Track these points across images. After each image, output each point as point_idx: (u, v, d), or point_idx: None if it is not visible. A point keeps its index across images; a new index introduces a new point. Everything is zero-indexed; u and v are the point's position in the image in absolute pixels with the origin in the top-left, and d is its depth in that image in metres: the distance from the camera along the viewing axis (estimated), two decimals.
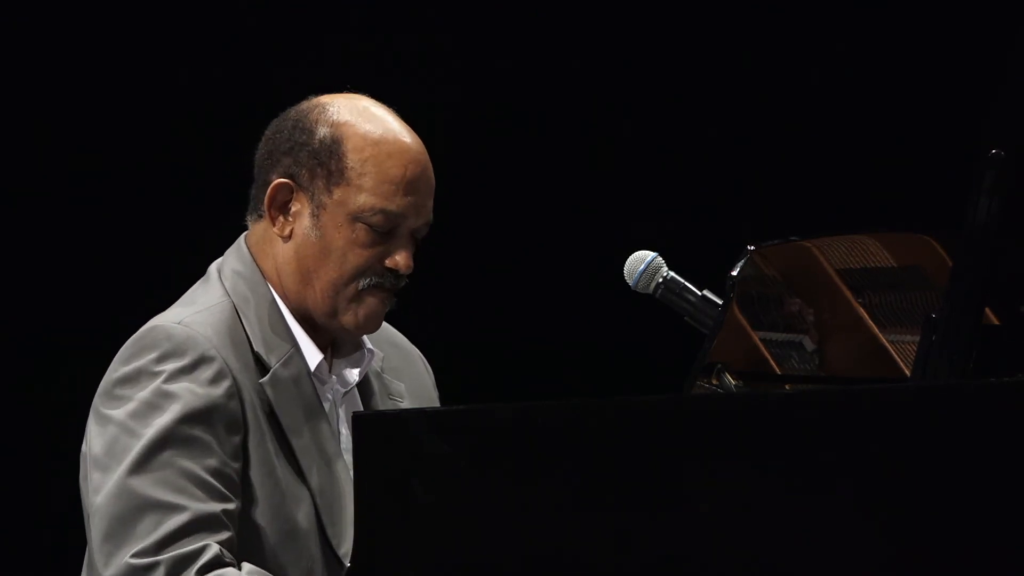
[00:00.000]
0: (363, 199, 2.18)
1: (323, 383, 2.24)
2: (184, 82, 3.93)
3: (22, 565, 3.90)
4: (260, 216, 2.25)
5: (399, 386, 2.35)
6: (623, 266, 2.26)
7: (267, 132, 2.27)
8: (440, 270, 4.12)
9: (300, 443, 2.18)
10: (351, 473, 2.07)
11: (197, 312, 2.18)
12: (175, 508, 2.03)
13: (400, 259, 2.20)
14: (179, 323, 2.16)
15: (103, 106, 3.94)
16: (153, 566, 2.01)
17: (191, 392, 2.10)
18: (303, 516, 2.17)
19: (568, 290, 4.07)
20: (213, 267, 2.27)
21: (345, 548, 2.15)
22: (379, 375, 2.33)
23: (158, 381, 2.10)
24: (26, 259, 3.90)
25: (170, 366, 2.12)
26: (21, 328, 3.90)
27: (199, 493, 2.07)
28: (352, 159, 2.19)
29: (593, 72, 4.13)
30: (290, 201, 2.22)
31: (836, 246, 2.29)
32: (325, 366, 2.24)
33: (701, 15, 4.11)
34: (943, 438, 1.66)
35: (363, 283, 2.20)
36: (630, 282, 2.25)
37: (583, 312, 4.06)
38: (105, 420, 2.12)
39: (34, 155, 3.92)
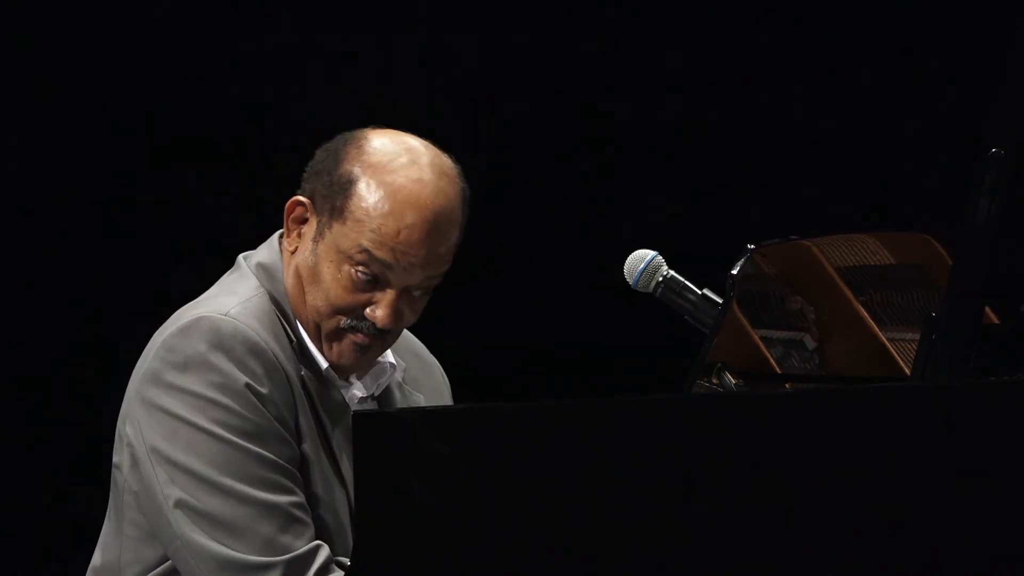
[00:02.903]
0: (353, 238, 2.18)
1: (336, 385, 2.25)
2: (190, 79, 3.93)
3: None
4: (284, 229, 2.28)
5: (418, 398, 2.37)
6: (623, 265, 2.26)
7: (323, 145, 2.28)
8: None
9: (335, 439, 2.20)
10: None
11: (239, 302, 2.19)
12: (271, 504, 2.04)
13: (379, 312, 2.20)
14: (225, 314, 2.16)
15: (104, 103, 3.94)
16: (270, 566, 2.02)
17: (249, 385, 2.11)
18: (342, 510, 2.19)
19: (568, 290, 4.07)
20: (241, 257, 2.28)
21: None
22: (401, 386, 2.34)
23: (212, 374, 2.11)
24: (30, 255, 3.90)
25: (222, 358, 2.12)
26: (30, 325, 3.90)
27: (288, 484, 2.10)
28: (356, 201, 2.19)
29: (593, 71, 4.13)
30: (304, 219, 2.23)
31: (836, 245, 2.29)
32: (332, 372, 2.25)
33: (701, 15, 4.11)
34: (943, 438, 1.66)
35: (344, 322, 2.21)
36: (630, 281, 2.25)
37: (583, 312, 4.06)
38: (159, 410, 2.12)
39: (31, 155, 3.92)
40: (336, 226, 2.19)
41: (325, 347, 2.22)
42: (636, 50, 4.14)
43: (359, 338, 2.20)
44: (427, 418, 1.80)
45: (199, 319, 2.16)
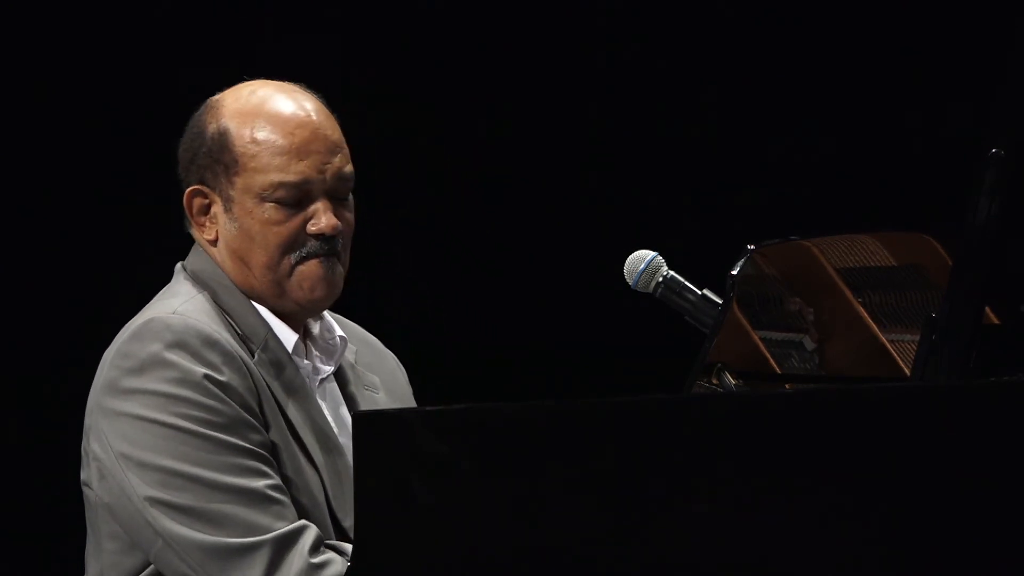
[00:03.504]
0: (260, 179, 2.20)
1: (302, 362, 2.26)
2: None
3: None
4: (192, 225, 2.29)
5: (373, 378, 2.37)
6: (623, 266, 2.26)
7: (182, 138, 2.30)
8: (440, 270, 4.12)
9: (297, 420, 2.20)
10: (345, 451, 2.11)
11: (183, 303, 2.20)
12: (248, 489, 2.04)
13: (322, 222, 2.21)
14: (173, 312, 2.17)
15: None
16: (256, 546, 2.00)
17: (208, 376, 2.11)
18: (315, 490, 2.19)
19: (568, 290, 4.07)
20: (178, 267, 2.30)
21: (349, 522, 2.17)
22: (353, 367, 2.35)
23: (170, 371, 2.11)
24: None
25: (179, 354, 2.12)
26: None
27: (262, 468, 2.09)
28: (238, 145, 2.21)
29: (593, 71, 4.13)
30: (208, 204, 2.25)
31: (836, 246, 2.29)
32: (302, 346, 2.26)
33: (700, 16, 4.11)
34: (943, 438, 1.66)
35: (294, 257, 2.21)
36: (630, 281, 2.25)
37: (583, 312, 4.06)
38: (121, 416, 2.12)
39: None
40: (237, 180, 2.21)
41: (293, 291, 2.22)
42: (636, 49, 4.14)
43: (316, 263, 2.22)
44: (427, 418, 1.80)
45: (149, 321, 2.17)
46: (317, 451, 2.20)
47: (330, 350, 2.31)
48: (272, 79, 2.30)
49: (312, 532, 2.09)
